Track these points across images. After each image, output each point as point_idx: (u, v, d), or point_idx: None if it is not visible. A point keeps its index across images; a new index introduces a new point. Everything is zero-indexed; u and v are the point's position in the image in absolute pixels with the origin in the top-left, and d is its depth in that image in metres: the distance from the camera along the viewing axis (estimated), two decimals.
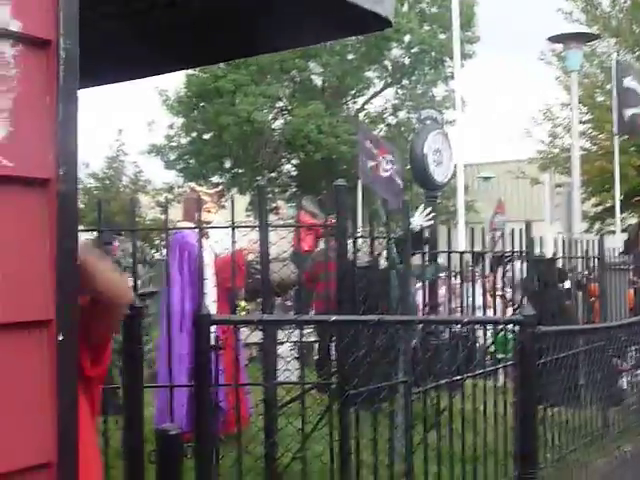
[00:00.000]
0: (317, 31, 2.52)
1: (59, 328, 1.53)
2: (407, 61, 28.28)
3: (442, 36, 27.37)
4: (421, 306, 6.48)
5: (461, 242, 11.23)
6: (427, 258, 6.01)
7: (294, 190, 28.89)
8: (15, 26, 1.44)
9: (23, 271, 1.49)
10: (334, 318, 3.52)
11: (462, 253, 6.44)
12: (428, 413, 4.74)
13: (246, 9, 2.30)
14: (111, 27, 2.69)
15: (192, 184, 12.47)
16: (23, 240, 1.49)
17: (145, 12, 2.67)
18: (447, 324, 5.00)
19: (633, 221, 15.73)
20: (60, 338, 1.53)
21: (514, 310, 6.28)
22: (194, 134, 28.39)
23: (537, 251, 6.83)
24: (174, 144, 28.75)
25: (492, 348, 6.08)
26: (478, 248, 6.03)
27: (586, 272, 7.52)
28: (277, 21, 2.21)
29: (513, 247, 6.31)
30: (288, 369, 4.96)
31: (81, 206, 22.98)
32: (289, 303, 12.05)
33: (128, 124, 34.11)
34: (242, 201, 26.63)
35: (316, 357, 8.33)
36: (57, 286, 1.52)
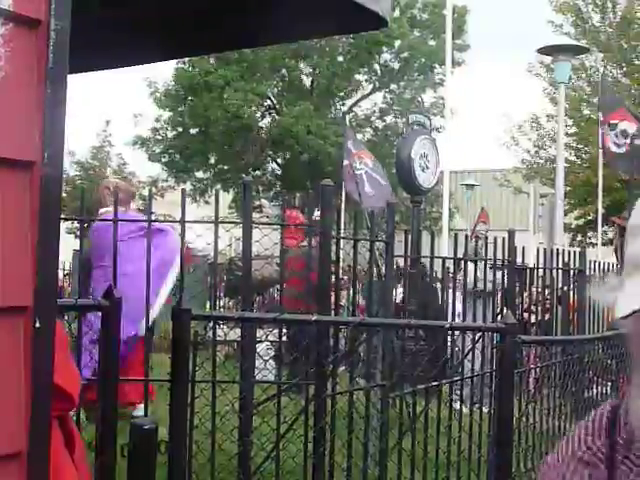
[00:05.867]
0: (315, 26, 2.50)
1: (36, 315, 1.49)
2: (396, 66, 28.32)
3: (432, 42, 27.44)
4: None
5: (444, 249, 11.23)
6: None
7: (278, 189, 28.86)
8: (5, 4, 1.40)
9: (1, 255, 1.46)
10: (315, 317, 3.49)
11: (444, 259, 6.44)
12: (404, 418, 4.73)
13: (245, 1, 2.27)
14: (104, 13, 2.65)
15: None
16: (3, 223, 1.45)
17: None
18: (429, 329, 4.99)
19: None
20: (37, 325, 1.49)
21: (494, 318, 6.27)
22: (180, 128, 28.29)
23: (519, 261, 6.84)
24: (160, 137, 28.64)
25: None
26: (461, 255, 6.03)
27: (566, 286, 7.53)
28: (276, 14, 2.18)
29: (495, 255, 6.31)
30: (266, 368, 4.93)
31: (63, 195, 22.87)
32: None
33: (114, 114, 34.05)
34: (226, 198, 26.55)
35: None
36: (36, 272, 1.49)
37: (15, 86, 1.44)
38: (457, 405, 5.17)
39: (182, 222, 4.73)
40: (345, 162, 14.04)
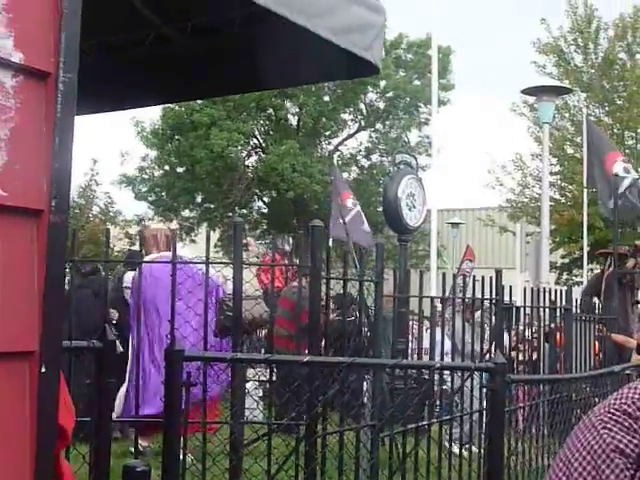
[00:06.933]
0: (309, 73, 2.56)
1: (42, 360, 1.52)
2: (382, 105, 28.56)
3: (417, 82, 27.74)
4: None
5: (432, 287, 11.28)
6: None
7: (265, 228, 28.91)
8: (17, 57, 1.44)
9: (9, 302, 1.49)
10: (307, 359, 3.51)
11: (432, 298, 6.47)
12: (393, 457, 4.73)
13: (241, 49, 2.33)
14: (99, 59, 2.71)
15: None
16: (11, 270, 1.48)
17: (135, 46, 2.70)
18: (419, 369, 5.01)
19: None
20: (43, 370, 1.52)
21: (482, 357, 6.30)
22: (167, 167, 28.36)
23: (506, 299, 6.89)
24: (146, 176, 28.68)
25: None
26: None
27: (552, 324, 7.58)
28: (271, 62, 2.24)
29: (483, 294, 6.35)
30: (256, 408, 4.93)
31: None
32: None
33: (101, 152, 34.12)
34: (212, 237, 26.52)
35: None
36: (42, 318, 1.51)
37: (25, 136, 1.48)
38: (447, 444, 5.17)
39: (173, 263, 4.76)
40: (333, 206, 14.12)
